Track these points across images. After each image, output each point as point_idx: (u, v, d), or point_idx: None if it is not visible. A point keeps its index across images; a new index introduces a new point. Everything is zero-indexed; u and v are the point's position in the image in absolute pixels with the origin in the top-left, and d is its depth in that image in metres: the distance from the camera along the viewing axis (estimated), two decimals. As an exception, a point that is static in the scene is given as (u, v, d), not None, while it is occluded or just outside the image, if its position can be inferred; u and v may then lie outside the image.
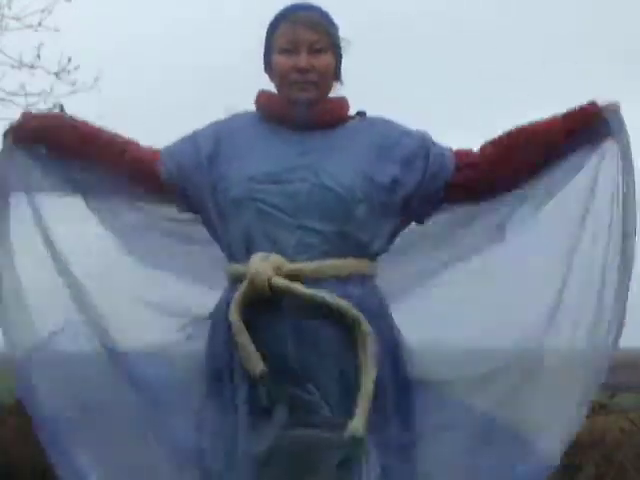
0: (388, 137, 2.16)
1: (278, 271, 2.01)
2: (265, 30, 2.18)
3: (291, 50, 2.12)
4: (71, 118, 2.28)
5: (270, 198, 2.05)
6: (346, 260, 2.06)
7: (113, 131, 2.25)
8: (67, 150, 2.23)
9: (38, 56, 6.37)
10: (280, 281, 2.00)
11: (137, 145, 2.23)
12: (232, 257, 2.12)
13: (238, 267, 2.08)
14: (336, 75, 2.19)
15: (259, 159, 2.10)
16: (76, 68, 6.48)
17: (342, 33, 2.20)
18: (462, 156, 2.18)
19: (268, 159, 2.10)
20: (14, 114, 6.32)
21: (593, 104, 2.16)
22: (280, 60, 2.13)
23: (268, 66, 2.19)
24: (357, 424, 1.97)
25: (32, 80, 6.43)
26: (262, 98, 2.20)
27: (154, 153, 2.22)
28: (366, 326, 2.01)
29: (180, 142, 2.22)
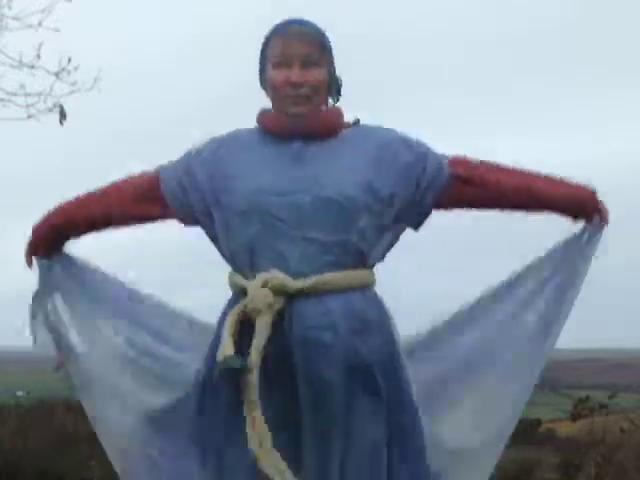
0: (386, 149, 2.16)
1: (278, 292, 2.03)
2: (260, 47, 2.19)
3: (284, 64, 2.12)
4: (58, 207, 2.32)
5: (274, 210, 2.06)
6: (346, 272, 2.08)
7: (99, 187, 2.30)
8: (81, 229, 2.33)
9: (38, 56, 6.36)
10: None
11: (127, 181, 2.28)
12: (236, 268, 2.14)
13: (241, 280, 2.11)
14: (330, 87, 2.19)
15: (262, 172, 2.11)
16: (76, 68, 6.47)
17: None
18: (458, 166, 2.21)
19: (270, 172, 2.11)
20: (14, 114, 6.38)
21: (593, 197, 2.24)
22: (273, 75, 2.13)
23: (263, 81, 2.20)
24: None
25: (32, 80, 6.43)
26: (261, 115, 2.21)
27: (150, 178, 2.26)
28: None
29: (178, 162, 2.25)
